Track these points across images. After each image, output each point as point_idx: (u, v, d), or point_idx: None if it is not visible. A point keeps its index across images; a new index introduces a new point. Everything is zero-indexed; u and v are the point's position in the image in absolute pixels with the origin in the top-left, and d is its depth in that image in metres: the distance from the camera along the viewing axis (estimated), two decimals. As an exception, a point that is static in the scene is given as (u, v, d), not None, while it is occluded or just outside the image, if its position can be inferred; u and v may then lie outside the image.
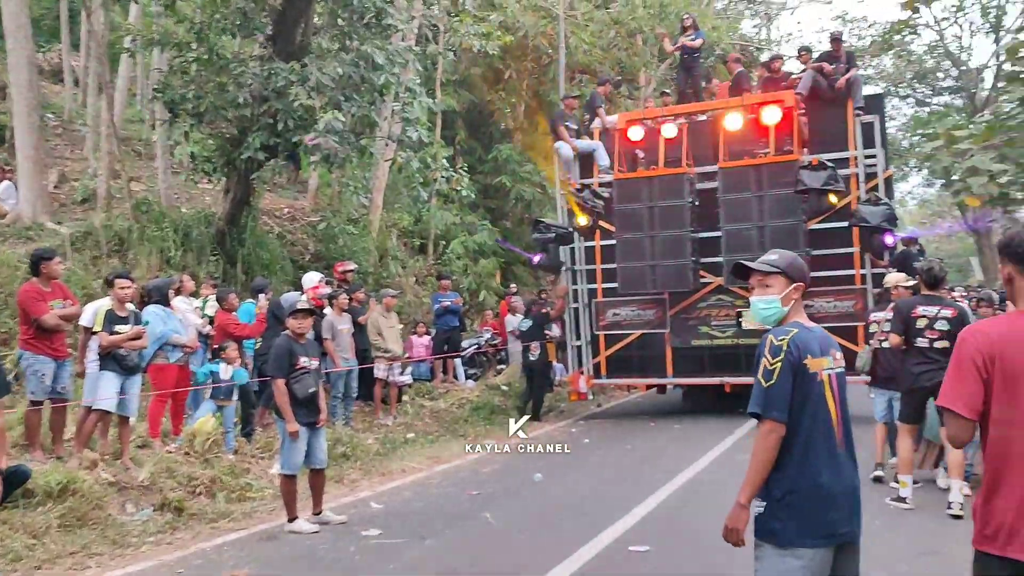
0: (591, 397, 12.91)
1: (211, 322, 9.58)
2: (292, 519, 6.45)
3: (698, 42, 14.11)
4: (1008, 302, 2.84)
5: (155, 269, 11.36)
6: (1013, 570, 2.53)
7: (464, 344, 14.48)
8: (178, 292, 9.36)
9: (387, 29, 11.90)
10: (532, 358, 12.03)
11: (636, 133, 12.05)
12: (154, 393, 8.22)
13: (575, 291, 12.82)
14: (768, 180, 11.04)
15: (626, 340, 12.26)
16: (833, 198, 10.73)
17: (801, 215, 10.94)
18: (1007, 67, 16.62)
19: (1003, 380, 2.56)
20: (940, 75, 29.29)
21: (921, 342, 6.71)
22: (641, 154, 12.17)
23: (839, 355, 3.14)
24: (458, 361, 14.19)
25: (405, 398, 12.17)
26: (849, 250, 11.23)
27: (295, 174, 17.36)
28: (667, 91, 14.42)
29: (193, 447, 7.98)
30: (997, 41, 26.09)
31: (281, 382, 6.43)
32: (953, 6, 26.38)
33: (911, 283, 7.62)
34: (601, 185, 12.32)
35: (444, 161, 13.22)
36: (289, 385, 6.43)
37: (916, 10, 13.91)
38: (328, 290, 10.86)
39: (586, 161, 12.83)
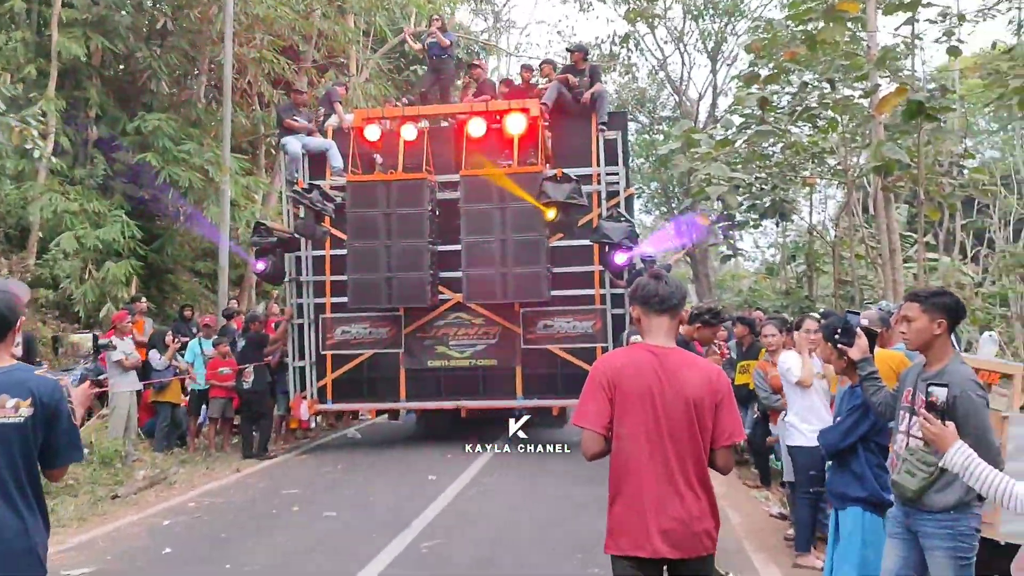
0: (313, 425, 11.55)
1: None
2: None
3: (448, 41, 13.28)
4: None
5: None
6: (635, 567, 2.89)
7: None
8: None
9: None
10: (246, 386, 10.44)
11: (373, 133, 10.99)
12: None
13: (299, 305, 11.45)
14: (511, 191, 10.44)
15: (355, 360, 11.10)
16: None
17: (544, 229, 10.46)
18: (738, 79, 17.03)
19: (621, 401, 2.96)
20: (660, 104, 31.00)
21: None
22: (379, 158, 11.12)
23: (21, 404, 2.78)
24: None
25: None
26: (589, 268, 10.93)
27: None
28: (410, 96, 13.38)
29: None
30: (714, 72, 28.03)
31: None
32: (676, 28, 27.83)
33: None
34: (333, 188, 11.10)
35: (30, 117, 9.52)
36: None
37: (634, 20, 14.25)
38: None
39: (316, 160, 11.54)
